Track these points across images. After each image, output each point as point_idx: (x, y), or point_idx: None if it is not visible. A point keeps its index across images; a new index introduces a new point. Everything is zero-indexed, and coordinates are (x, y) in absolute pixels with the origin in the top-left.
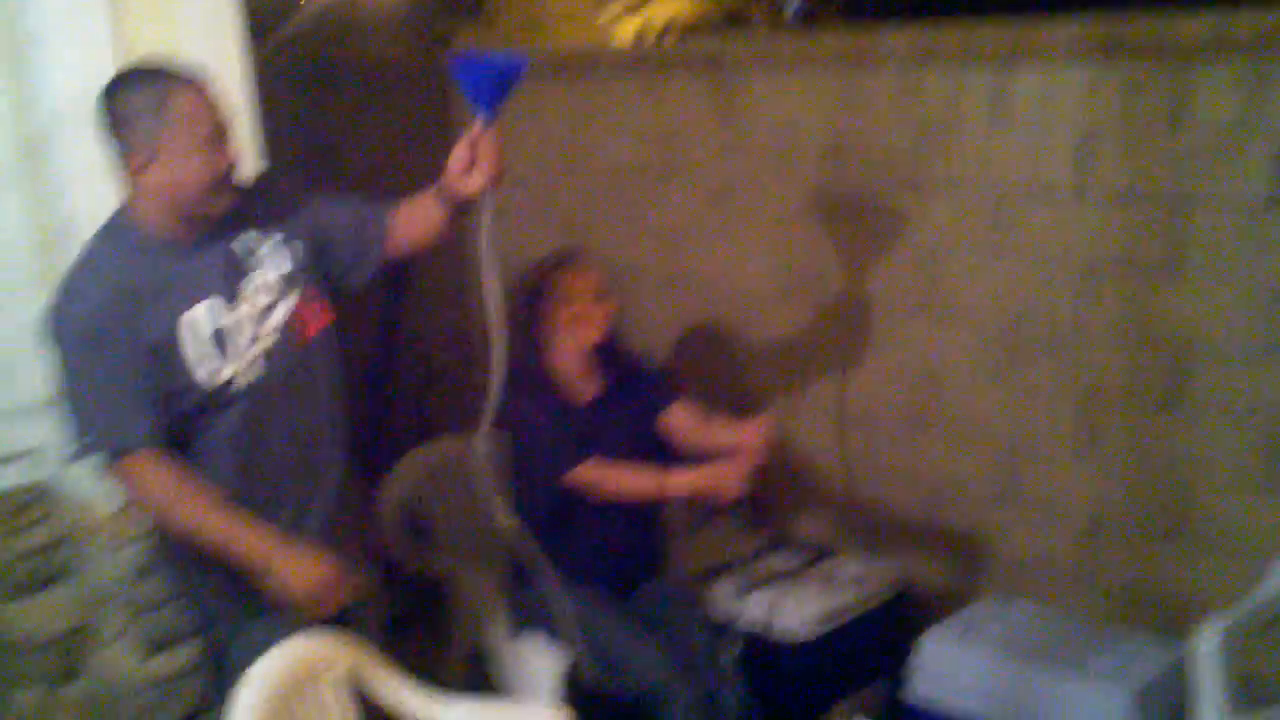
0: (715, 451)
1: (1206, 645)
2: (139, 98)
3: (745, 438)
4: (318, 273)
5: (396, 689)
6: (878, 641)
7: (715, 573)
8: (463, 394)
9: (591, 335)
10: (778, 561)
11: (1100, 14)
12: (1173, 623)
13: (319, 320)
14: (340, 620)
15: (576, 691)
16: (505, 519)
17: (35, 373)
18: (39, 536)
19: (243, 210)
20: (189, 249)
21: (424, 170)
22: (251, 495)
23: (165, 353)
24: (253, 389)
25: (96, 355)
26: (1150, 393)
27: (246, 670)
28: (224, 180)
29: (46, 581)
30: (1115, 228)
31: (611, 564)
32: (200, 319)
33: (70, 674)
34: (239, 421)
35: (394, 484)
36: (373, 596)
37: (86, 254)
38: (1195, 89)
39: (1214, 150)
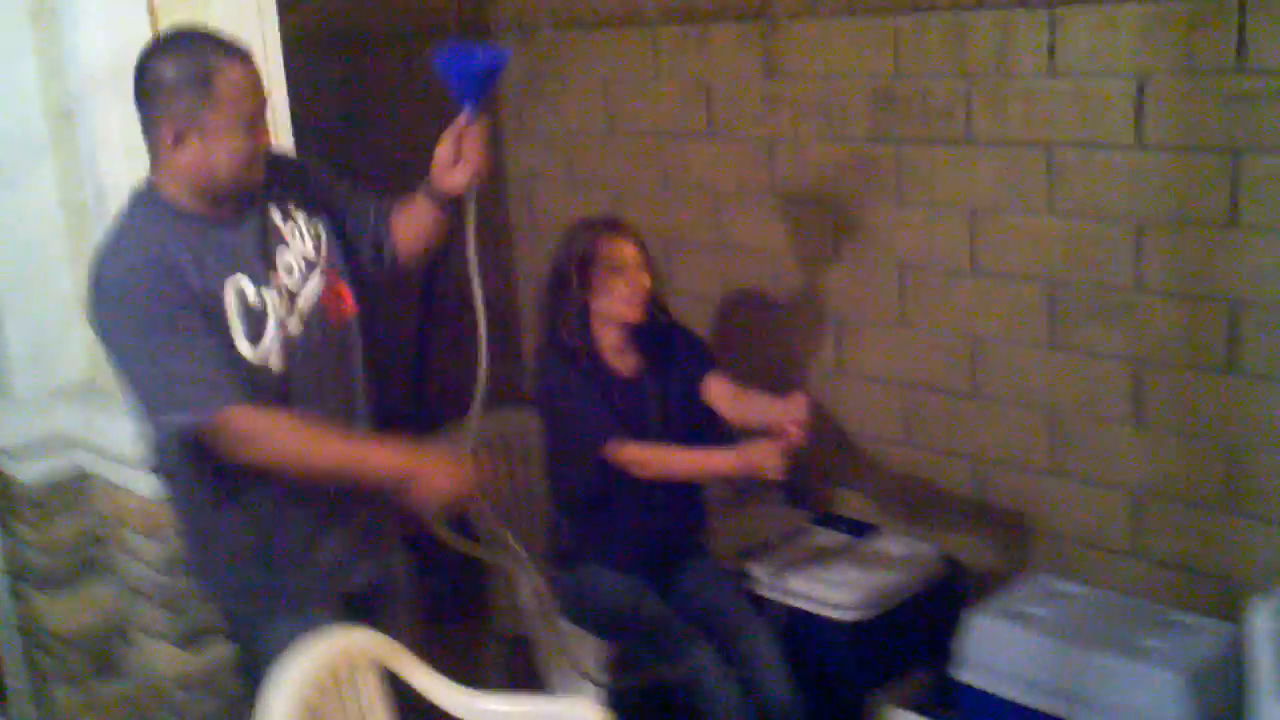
0: (750, 427)
1: (1264, 623)
2: (181, 68)
3: (783, 415)
4: (341, 256)
5: (430, 683)
6: (924, 622)
7: (756, 552)
8: (500, 369)
9: (634, 307)
10: (820, 540)
11: None
12: (1229, 600)
13: (346, 300)
14: (375, 613)
15: (617, 679)
16: (491, 521)
17: (69, 355)
18: (73, 528)
19: (267, 189)
20: (219, 224)
21: None
22: (281, 484)
23: (215, 317)
24: (285, 368)
25: (164, 319)
26: (1207, 355)
27: (275, 668)
28: (257, 159)
29: (80, 573)
30: (1173, 179)
31: (652, 544)
32: (243, 288)
33: (108, 670)
34: (273, 402)
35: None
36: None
37: (120, 225)
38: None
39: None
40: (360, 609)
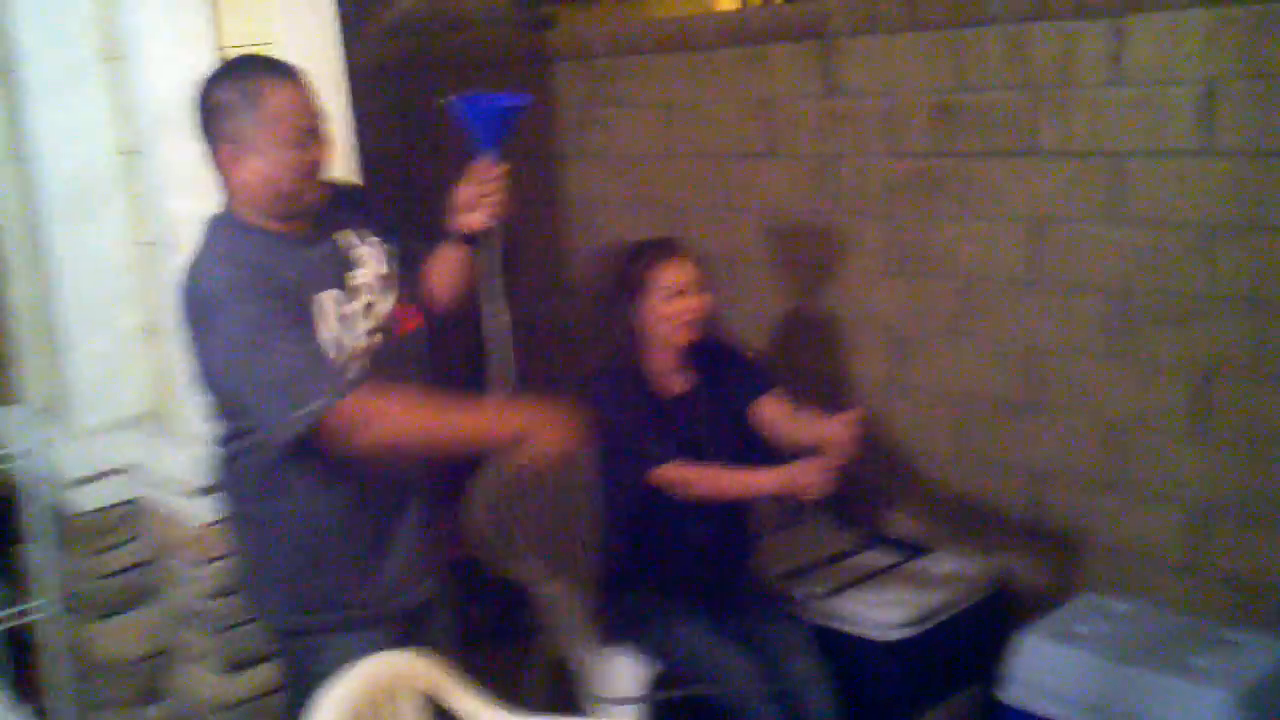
0: (801, 446)
1: None
2: (233, 91)
3: (832, 433)
4: (406, 278)
5: (475, 707)
6: (973, 641)
7: (804, 572)
8: (556, 388)
9: (688, 331)
10: (869, 559)
11: None
12: None
13: (413, 322)
14: (423, 633)
15: (663, 703)
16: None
17: (132, 388)
18: (126, 557)
19: (336, 211)
20: (297, 242)
21: (525, 163)
22: (345, 497)
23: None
24: (361, 380)
25: (274, 320)
26: (1272, 367)
27: (323, 688)
28: (310, 174)
29: (133, 601)
30: (1239, 186)
31: (699, 564)
32: (327, 300)
33: (152, 696)
34: None
35: (481, 487)
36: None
37: (205, 246)
38: None
39: None
40: (409, 631)
